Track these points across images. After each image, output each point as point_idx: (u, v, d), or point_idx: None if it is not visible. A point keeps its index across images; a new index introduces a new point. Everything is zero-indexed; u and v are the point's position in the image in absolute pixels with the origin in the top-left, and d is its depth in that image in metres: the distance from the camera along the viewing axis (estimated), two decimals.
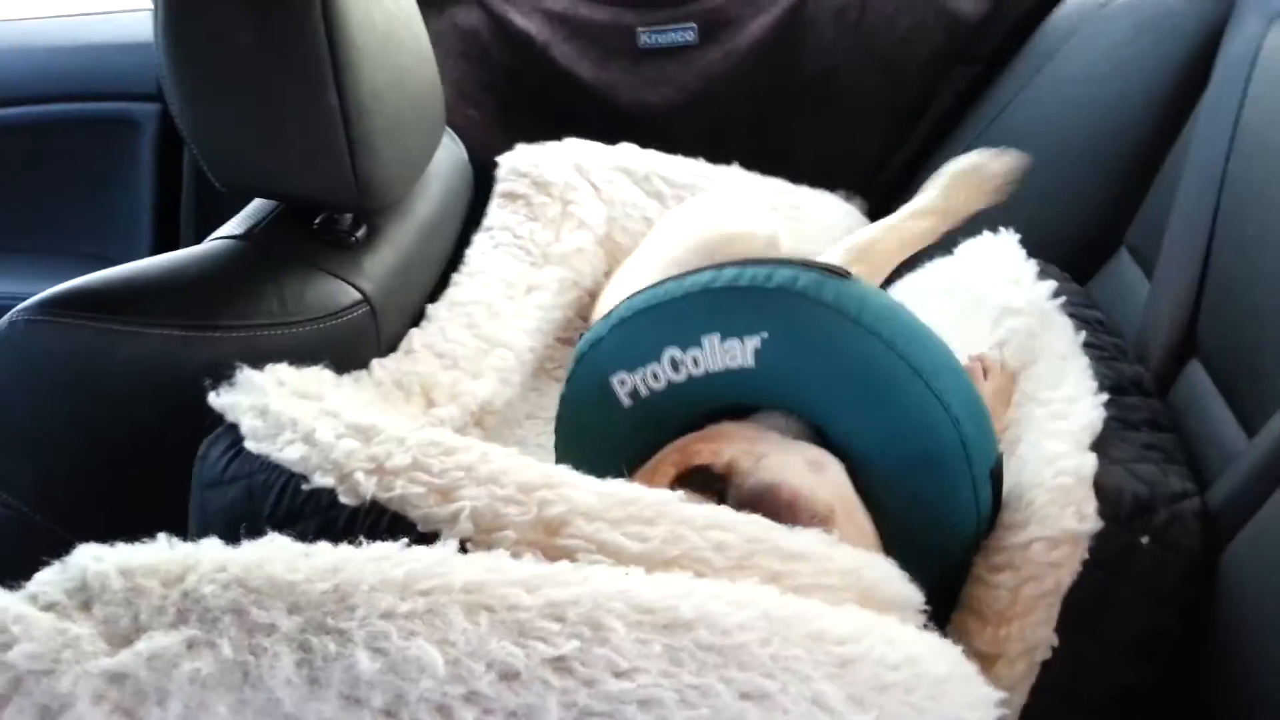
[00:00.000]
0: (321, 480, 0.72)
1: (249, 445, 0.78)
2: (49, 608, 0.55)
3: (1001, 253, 1.26)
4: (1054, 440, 0.87)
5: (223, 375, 0.88)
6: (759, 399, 0.87)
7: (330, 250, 1.04)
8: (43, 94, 1.65)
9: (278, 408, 0.79)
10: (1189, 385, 1.02)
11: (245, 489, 0.75)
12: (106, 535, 0.69)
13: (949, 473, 0.80)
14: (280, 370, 0.87)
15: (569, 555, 0.67)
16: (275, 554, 0.59)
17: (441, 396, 1.04)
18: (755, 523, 0.71)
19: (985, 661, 0.75)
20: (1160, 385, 1.03)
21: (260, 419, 0.79)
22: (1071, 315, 1.07)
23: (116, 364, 0.89)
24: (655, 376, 0.88)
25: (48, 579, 0.57)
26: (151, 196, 1.63)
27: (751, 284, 0.85)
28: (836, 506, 0.76)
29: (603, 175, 1.40)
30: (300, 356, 0.96)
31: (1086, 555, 0.77)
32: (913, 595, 0.72)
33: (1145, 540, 0.77)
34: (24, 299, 0.91)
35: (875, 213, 1.50)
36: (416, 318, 1.15)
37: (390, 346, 1.09)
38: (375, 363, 1.02)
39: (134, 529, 0.73)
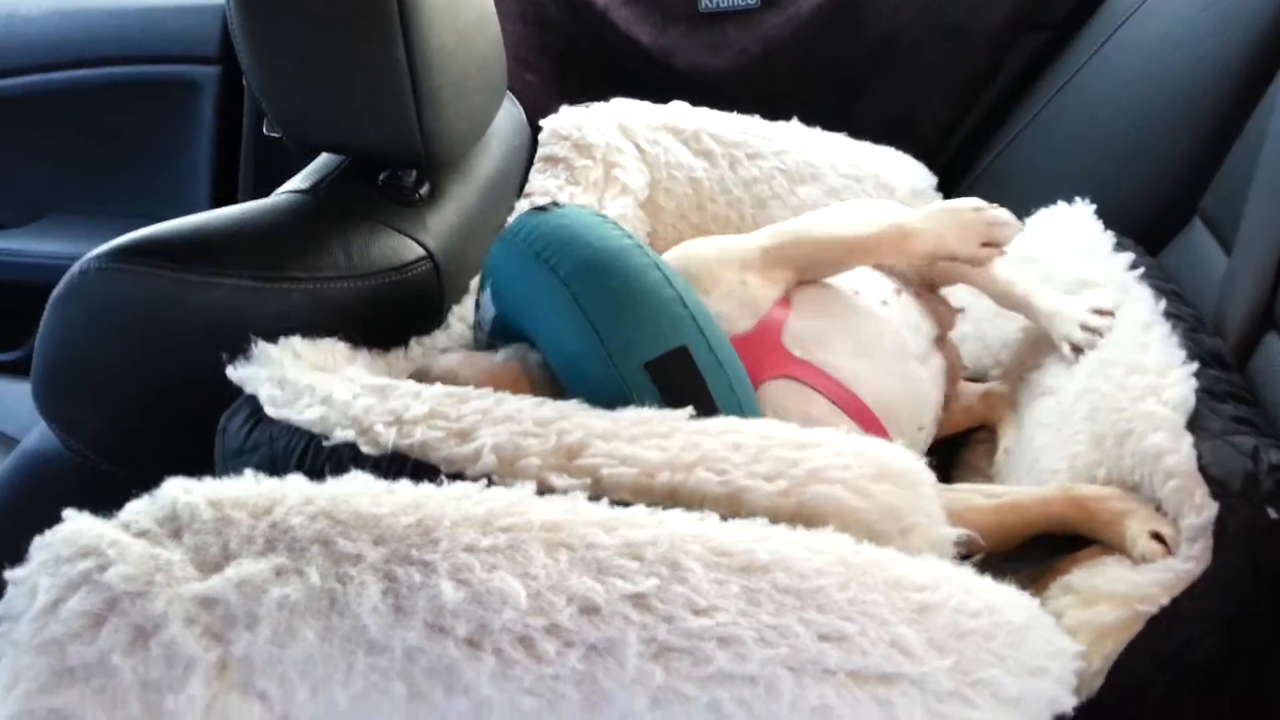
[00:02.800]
0: (342, 435, 0.73)
1: (269, 411, 0.78)
2: (141, 534, 0.56)
3: (1076, 222, 1.24)
4: (1152, 427, 0.85)
5: (289, 327, 0.88)
6: (518, 339, 0.93)
7: (394, 206, 1.04)
8: (105, 56, 1.67)
9: (294, 376, 0.80)
10: (1266, 359, 1.00)
11: (268, 456, 0.76)
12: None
13: (593, 372, 0.82)
14: (295, 343, 0.87)
15: (592, 473, 0.68)
16: (360, 489, 0.59)
17: None
18: (766, 424, 0.75)
19: (1088, 599, 0.74)
20: (1237, 359, 1.01)
21: (278, 388, 0.80)
22: (1151, 287, 1.05)
23: (188, 312, 0.90)
24: (479, 333, 1.01)
25: (139, 509, 0.58)
26: (211, 158, 1.65)
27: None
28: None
29: (648, 135, 1.39)
30: (365, 310, 0.96)
31: (1210, 541, 0.74)
32: (925, 472, 0.74)
33: (1273, 513, 0.74)
34: None
35: (941, 184, 1.48)
36: None
37: (454, 303, 1.09)
38: (413, 340, 1.03)
39: (201, 474, 0.75)
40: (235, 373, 0.84)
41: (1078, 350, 1.05)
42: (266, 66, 0.96)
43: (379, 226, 1.01)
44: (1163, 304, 1.00)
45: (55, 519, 0.62)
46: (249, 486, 0.59)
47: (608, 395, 0.79)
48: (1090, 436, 0.93)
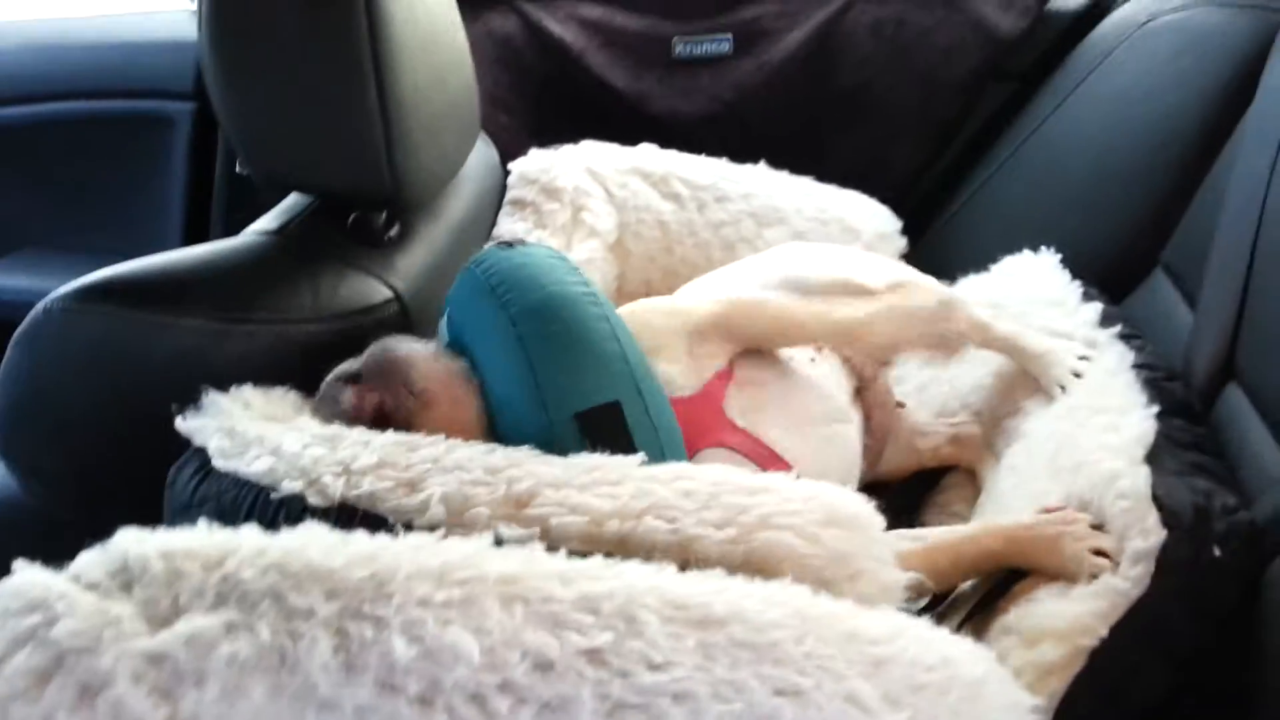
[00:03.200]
0: (290, 486, 0.72)
1: (217, 464, 0.78)
2: (91, 587, 0.55)
3: (1042, 271, 1.26)
4: (1110, 455, 0.86)
5: (252, 369, 0.88)
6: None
7: (363, 248, 1.04)
8: (79, 90, 1.67)
9: (244, 428, 0.80)
10: (1228, 408, 1.01)
11: (216, 510, 0.75)
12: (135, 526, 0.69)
13: (524, 414, 0.84)
14: (246, 393, 0.87)
15: (542, 522, 0.68)
16: (313, 540, 0.59)
17: None
18: (716, 469, 0.75)
19: (1030, 638, 0.74)
20: (1200, 407, 1.03)
21: (228, 439, 0.79)
22: (1121, 339, 1.07)
23: (149, 355, 0.90)
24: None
25: (90, 560, 0.57)
26: (183, 195, 1.65)
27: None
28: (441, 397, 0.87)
29: (616, 179, 1.40)
30: (331, 352, 0.96)
31: (1153, 566, 0.75)
32: (875, 516, 0.74)
33: (1216, 551, 0.75)
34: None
35: (907, 227, 1.50)
36: None
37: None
38: None
39: (161, 521, 0.74)
40: (184, 424, 0.83)
41: (1062, 389, 1.05)
42: (236, 105, 0.97)
43: (347, 268, 1.01)
44: (1130, 355, 1.02)
45: (6, 565, 0.61)
46: (202, 537, 0.59)
47: (535, 438, 0.80)
48: (1049, 471, 0.94)
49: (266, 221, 1.05)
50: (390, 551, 0.58)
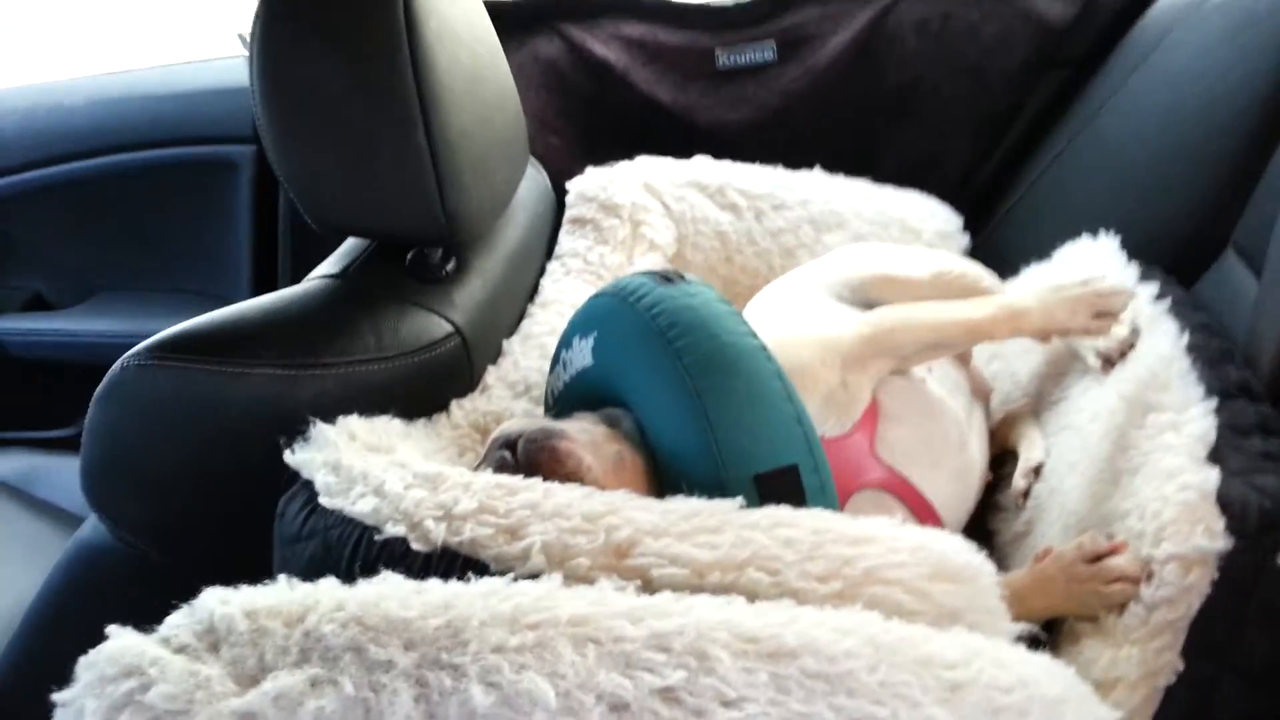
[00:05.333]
0: (393, 530, 0.73)
1: (323, 501, 0.79)
2: (180, 650, 0.57)
3: (1101, 256, 1.24)
4: (1170, 454, 0.85)
5: (324, 409, 0.90)
6: (606, 396, 0.92)
7: (422, 285, 1.06)
8: (144, 140, 1.72)
9: (349, 462, 0.81)
10: None
11: (322, 544, 0.77)
12: (223, 569, 0.71)
13: (698, 469, 0.80)
14: (351, 423, 0.88)
15: (642, 574, 0.68)
16: (390, 592, 0.60)
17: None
18: (817, 515, 0.73)
19: (1101, 689, 0.73)
20: (1273, 389, 1.00)
21: (333, 474, 0.80)
22: (1176, 318, 1.04)
23: (225, 404, 0.92)
24: (559, 375, 0.99)
25: (178, 622, 0.59)
26: (250, 234, 1.69)
27: (603, 289, 0.95)
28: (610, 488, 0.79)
29: (673, 193, 1.41)
30: (397, 389, 0.98)
31: (1216, 575, 0.74)
32: (984, 564, 0.72)
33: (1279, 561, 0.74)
34: (134, 336, 0.95)
35: (966, 224, 1.48)
36: None
37: (488, 365, 1.11)
38: (454, 404, 1.04)
39: (249, 563, 0.76)
40: (292, 457, 0.85)
41: (1108, 362, 1.04)
42: (289, 154, 0.99)
43: (407, 306, 1.03)
44: (1186, 337, 1.00)
45: (107, 611, 0.63)
46: (283, 594, 0.61)
47: (707, 493, 0.78)
48: (1110, 476, 0.92)
49: (328, 266, 1.07)
50: (464, 599, 0.60)
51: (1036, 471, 1.05)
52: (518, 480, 0.76)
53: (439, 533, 0.71)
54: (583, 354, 0.94)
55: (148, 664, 0.55)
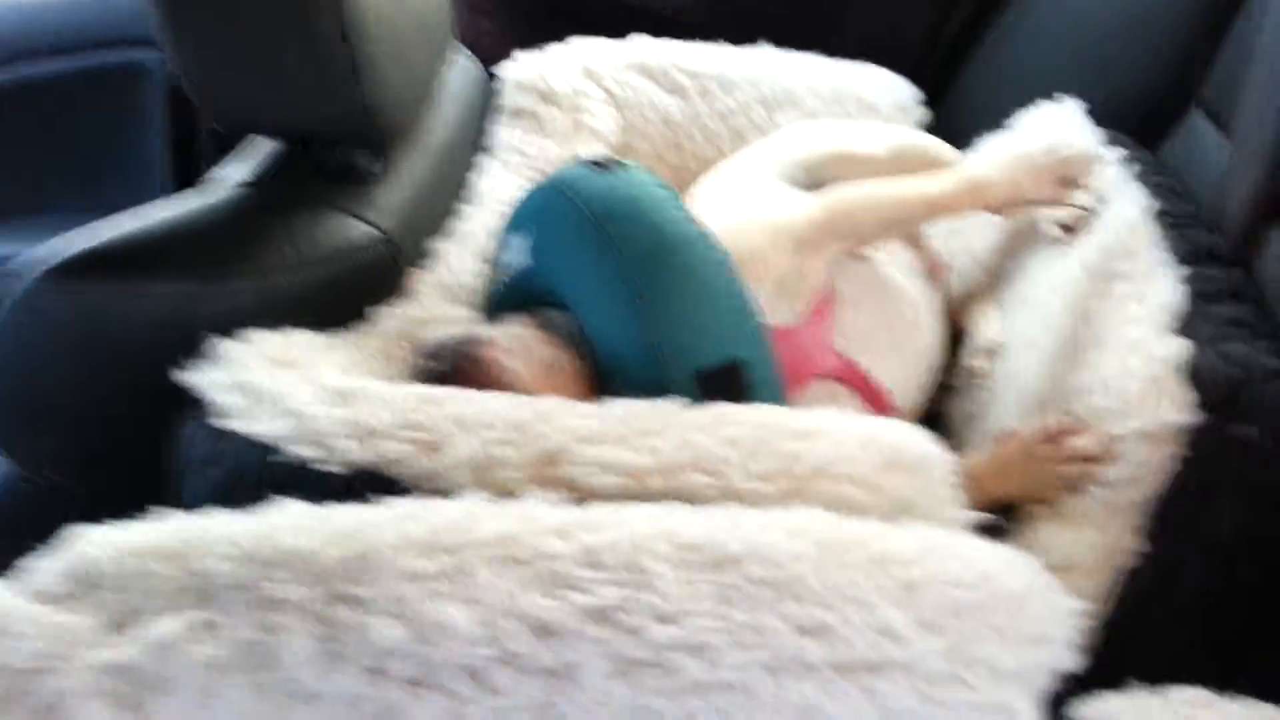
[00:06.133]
0: (303, 451, 0.67)
1: (228, 422, 0.72)
2: (49, 600, 0.52)
3: (1064, 122, 1.17)
4: (1134, 325, 0.80)
5: (237, 328, 0.84)
6: (546, 298, 0.85)
7: (342, 188, 0.98)
8: (45, 47, 1.60)
9: (256, 380, 0.74)
10: (1276, 252, 0.93)
11: (228, 471, 0.71)
12: (133, 497, 0.66)
13: (637, 368, 0.76)
14: (262, 339, 0.81)
15: (575, 484, 0.63)
16: (289, 521, 0.55)
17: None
18: (763, 411, 0.69)
19: (1058, 574, 0.70)
20: (1242, 253, 0.95)
21: (239, 394, 0.74)
22: (1142, 183, 0.99)
23: (127, 327, 0.86)
24: (498, 277, 0.93)
25: (47, 569, 0.54)
26: (168, 146, 1.59)
27: (539, 183, 0.88)
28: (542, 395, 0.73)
29: (615, 77, 1.32)
30: (319, 301, 0.91)
31: (1182, 451, 0.70)
32: (938, 452, 0.68)
33: (1250, 430, 0.70)
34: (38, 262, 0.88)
35: (926, 98, 1.41)
36: None
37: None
38: (382, 312, 0.97)
39: (159, 488, 0.70)
40: (196, 377, 0.78)
41: (1069, 230, 0.98)
42: (187, 47, 0.91)
43: (327, 212, 0.96)
44: (1152, 202, 0.94)
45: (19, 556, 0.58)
46: (165, 531, 0.55)
47: (648, 395, 0.72)
48: (1069, 348, 0.88)
49: (238, 172, 0.99)
50: (373, 525, 0.54)
51: (993, 351, 1.00)
52: (441, 391, 0.70)
53: (353, 452, 0.66)
54: (520, 254, 0.88)
55: (11, 620, 0.50)
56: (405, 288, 1.01)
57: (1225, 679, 0.68)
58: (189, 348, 0.82)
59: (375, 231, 0.97)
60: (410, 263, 1.02)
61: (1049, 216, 0.99)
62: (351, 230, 0.96)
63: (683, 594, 0.52)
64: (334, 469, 0.66)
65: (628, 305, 0.76)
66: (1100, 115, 1.17)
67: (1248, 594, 0.71)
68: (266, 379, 0.74)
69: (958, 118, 1.41)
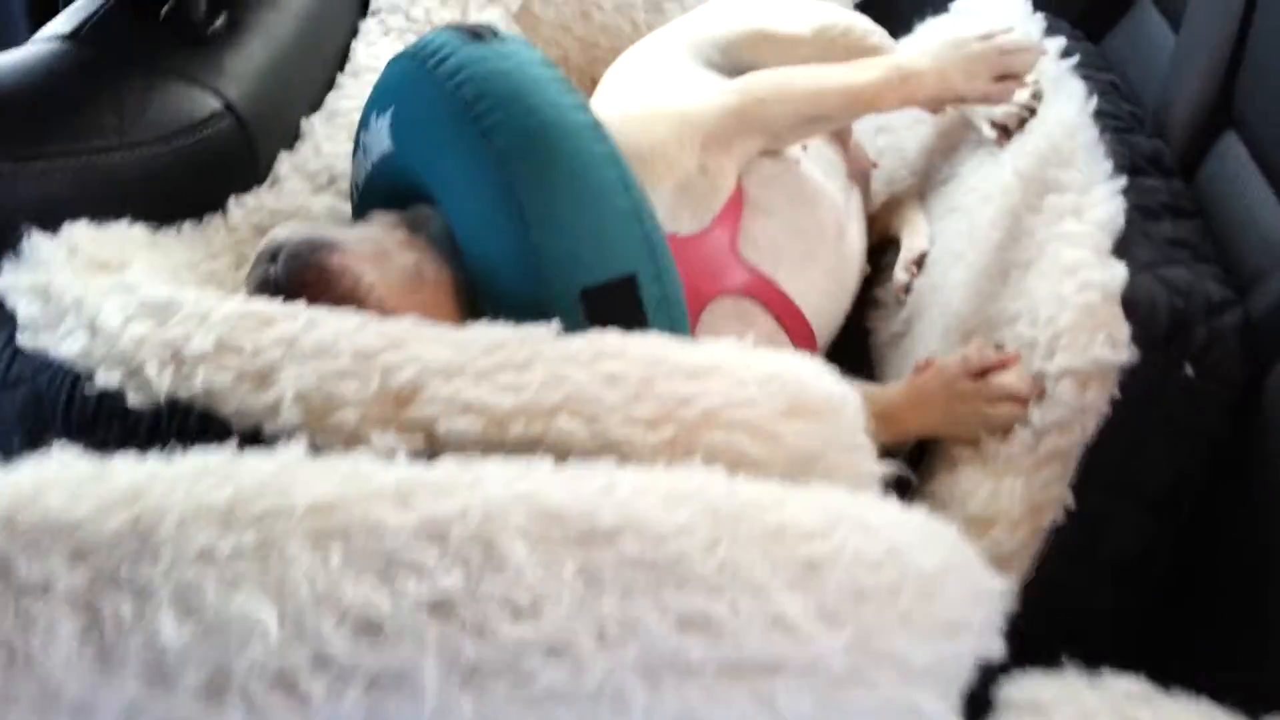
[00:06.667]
0: (105, 378, 0.56)
1: (23, 339, 0.61)
2: None
3: (1003, 6, 1.07)
4: (1069, 245, 0.72)
5: (51, 215, 0.71)
6: (413, 189, 0.74)
7: (181, 48, 0.84)
8: None
9: (61, 286, 0.62)
10: (1221, 161, 0.86)
11: (31, 394, 0.60)
12: None
13: (513, 282, 0.65)
14: (75, 232, 0.69)
15: (427, 427, 0.54)
16: (54, 481, 0.44)
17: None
18: (650, 342, 0.60)
19: (977, 526, 0.63)
20: (1187, 162, 0.87)
21: (40, 302, 0.62)
22: (1083, 79, 0.90)
23: None
24: (360, 162, 0.79)
25: None
26: None
27: (400, 52, 0.75)
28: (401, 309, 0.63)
29: None
30: (150, 185, 0.79)
31: (1116, 393, 0.63)
32: (847, 394, 0.59)
33: (1188, 370, 0.63)
34: None
35: None
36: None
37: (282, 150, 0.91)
38: (232, 201, 0.84)
39: None
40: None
41: (1005, 131, 0.89)
42: None
43: (162, 76, 0.82)
44: (1094, 101, 0.86)
45: None
46: None
47: (526, 317, 0.61)
48: (998, 265, 0.80)
49: (58, 24, 0.84)
50: (161, 484, 0.44)
51: (919, 263, 0.92)
52: (274, 307, 0.59)
53: (163, 380, 0.55)
54: (380, 136, 0.75)
55: None
56: (263, 172, 0.88)
57: (1157, 646, 0.63)
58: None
59: (219, 103, 0.83)
60: (268, 141, 0.89)
61: (985, 114, 0.90)
62: (192, 99, 0.82)
63: (540, 578, 0.43)
64: (138, 402, 0.55)
65: (500, 206, 0.65)
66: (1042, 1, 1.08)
67: (1180, 553, 0.65)
68: (73, 284, 0.62)
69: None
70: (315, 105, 0.98)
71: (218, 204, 0.84)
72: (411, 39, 1.08)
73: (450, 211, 0.69)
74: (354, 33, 1.08)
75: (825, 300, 0.85)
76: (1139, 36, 1.08)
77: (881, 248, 1.01)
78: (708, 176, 0.78)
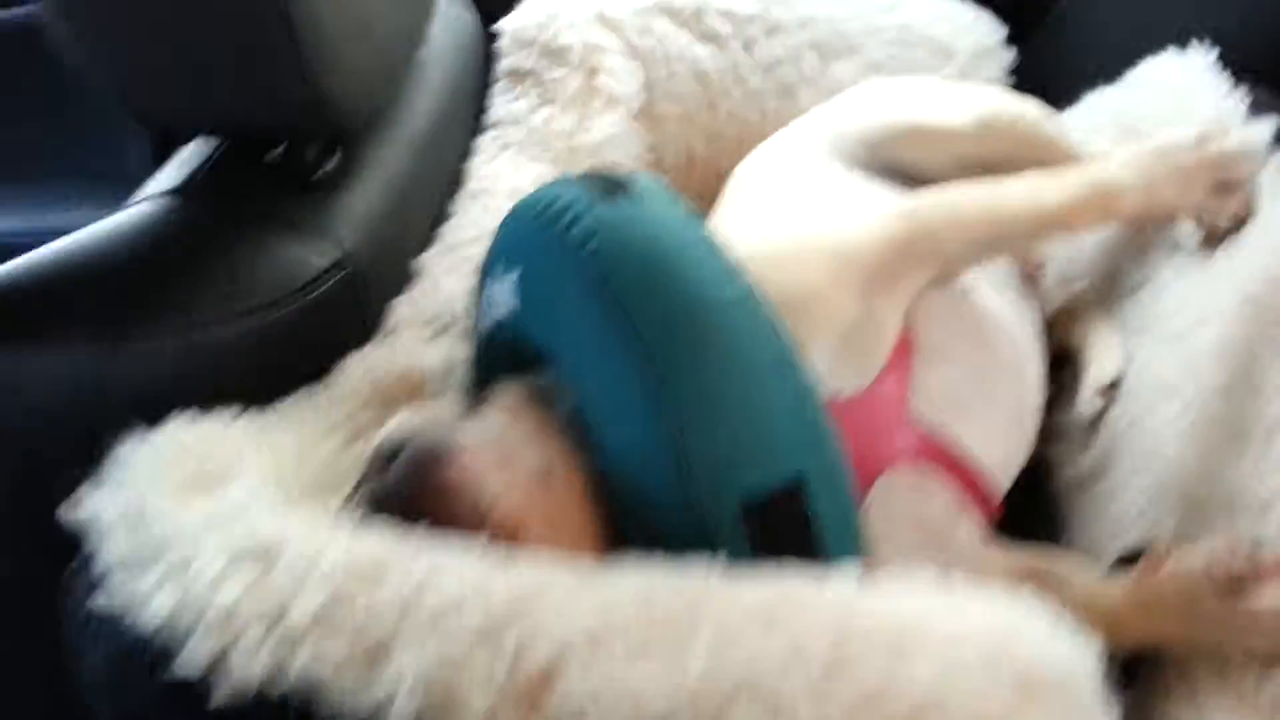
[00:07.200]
0: (194, 653, 0.47)
1: (105, 596, 0.52)
2: None
3: (1191, 77, 0.93)
4: None
5: (155, 401, 0.65)
6: (540, 350, 0.65)
7: (291, 197, 0.79)
8: None
9: (154, 513, 0.54)
10: None
11: (111, 662, 0.51)
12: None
13: (660, 492, 0.55)
14: (176, 435, 0.61)
15: None
16: None
17: (440, 385, 0.78)
18: (833, 589, 0.49)
19: None
20: None
21: (129, 535, 0.53)
22: None
23: (20, 402, 0.67)
24: (483, 312, 0.71)
25: None
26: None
27: (524, 202, 0.67)
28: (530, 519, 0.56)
29: (636, 24, 1.10)
30: (263, 356, 0.73)
31: None
32: (1082, 669, 0.46)
33: None
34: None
35: (1011, 35, 1.16)
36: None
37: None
38: (341, 365, 0.77)
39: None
40: (78, 510, 0.57)
41: (1211, 239, 0.76)
42: (86, 29, 0.71)
43: (271, 229, 0.77)
44: None
45: None
46: None
47: (678, 537, 0.53)
48: (1234, 422, 0.66)
49: (164, 179, 0.80)
50: None
51: (1111, 387, 0.79)
52: (388, 549, 0.49)
53: (260, 660, 0.47)
54: (506, 292, 0.67)
55: None
56: (375, 323, 0.82)
57: None
58: (92, 436, 0.63)
59: (333, 254, 0.77)
60: (382, 288, 0.83)
61: (1195, 228, 0.77)
62: (302, 254, 0.76)
63: None
64: (228, 695, 0.46)
65: (646, 400, 0.55)
66: (1234, 63, 0.94)
67: None
68: (167, 511, 0.54)
69: (1051, 60, 1.17)
70: (430, 238, 0.91)
71: (328, 367, 0.77)
72: (533, 151, 1.02)
73: (584, 394, 0.60)
74: (470, 149, 1.01)
75: (1006, 450, 0.73)
76: None
77: (1058, 360, 0.88)
78: (873, 323, 0.67)
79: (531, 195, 0.67)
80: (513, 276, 0.67)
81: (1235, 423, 0.65)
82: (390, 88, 0.86)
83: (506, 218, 0.70)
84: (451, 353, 0.81)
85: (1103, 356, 0.81)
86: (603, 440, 0.58)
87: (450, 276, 0.86)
